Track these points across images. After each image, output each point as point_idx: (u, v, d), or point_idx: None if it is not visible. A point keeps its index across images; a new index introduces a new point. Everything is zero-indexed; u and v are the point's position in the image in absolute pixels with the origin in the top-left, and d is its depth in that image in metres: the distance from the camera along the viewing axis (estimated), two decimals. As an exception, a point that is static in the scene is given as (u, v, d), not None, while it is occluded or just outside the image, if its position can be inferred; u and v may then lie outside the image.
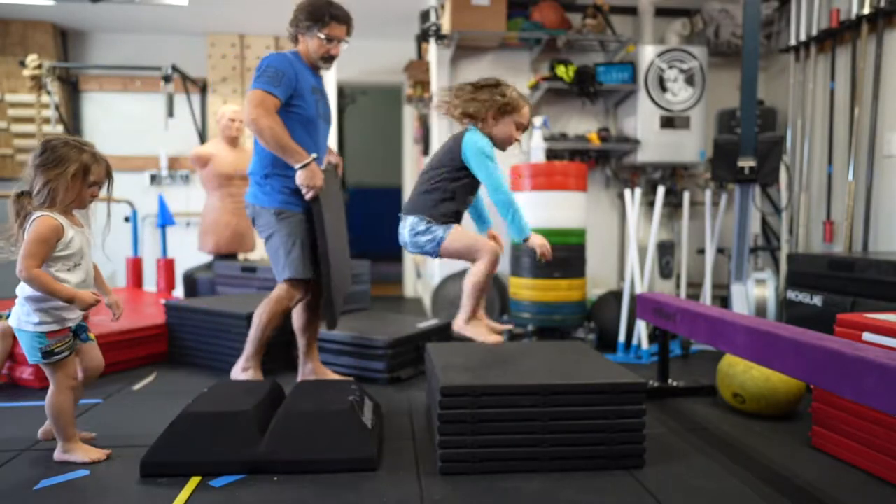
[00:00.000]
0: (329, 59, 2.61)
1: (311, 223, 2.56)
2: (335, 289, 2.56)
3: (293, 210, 2.56)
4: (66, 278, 1.81)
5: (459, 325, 2.13)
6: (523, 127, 2.14)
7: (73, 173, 1.78)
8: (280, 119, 2.44)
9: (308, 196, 2.47)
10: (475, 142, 2.06)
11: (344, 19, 2.56)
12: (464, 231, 2.11)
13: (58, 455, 1.92)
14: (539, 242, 2.02)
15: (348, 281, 2.85)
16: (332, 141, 5.32)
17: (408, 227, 2.12)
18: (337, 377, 2.76)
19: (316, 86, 2.63)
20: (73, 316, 1.89)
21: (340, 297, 2.68)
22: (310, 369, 2.77)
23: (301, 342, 2.76)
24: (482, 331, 2.12)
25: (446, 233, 2.07)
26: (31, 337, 1.82)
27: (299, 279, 2.55)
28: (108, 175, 1.89)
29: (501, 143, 2.13)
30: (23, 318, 1.83)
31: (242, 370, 2.60)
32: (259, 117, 2.40)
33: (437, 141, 4.56)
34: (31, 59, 5.13)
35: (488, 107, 2.08)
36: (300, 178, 2.43)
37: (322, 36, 2.53)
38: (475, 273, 2.06)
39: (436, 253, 2.10)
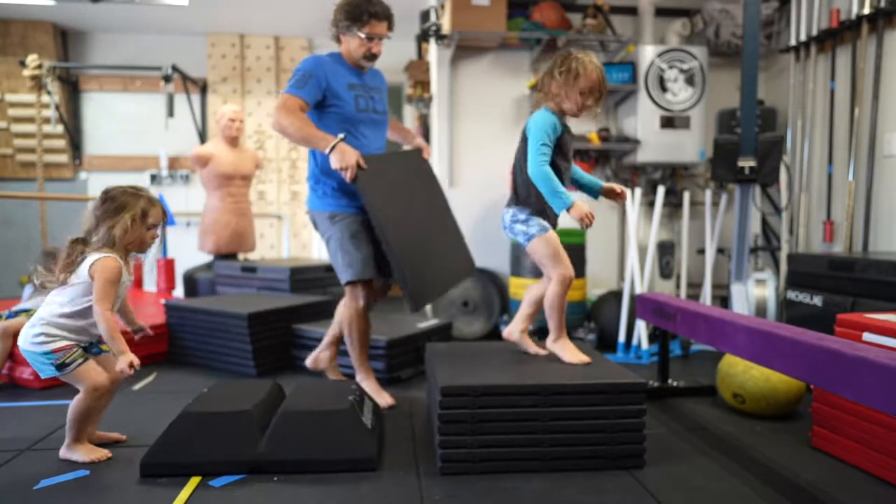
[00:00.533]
0: (371, 56, 2.57)
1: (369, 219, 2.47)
2: (414, 271, 2.38)
3: (346, 212, 2.54)
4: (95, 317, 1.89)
5: (550, 344, 2.21)
6: (590, 91, 2.11)
7: (133, 218, 1.91)
8: (301, 115, 2.42)
9: (348, 178, 2.34)
10: (534, 119, 2.10)
11: (383, 15, 2.51)
12: (553, 241, 2.13)
13: (63, 452, 1.97)
14: (578, 214, 1.98)
15: (453, 265, 2.69)
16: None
17: (510, 213, 2.19)
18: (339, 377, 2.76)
19: (357, 82, 2.60)
20: (85, 339, 1.96)
21: (430, 279, 2.49)
22: (326, 357, 2.78)
23: (333, 332, 2.76)
24: (570, 349, 2.16)
25: (539, 234, 2.12)
26: (38, 356, 1.90)
27: (357, 280, 2.49)
28: (164, 216, 2.04)
29: (572, 112, 2.13)
30: (29, 339, 1.90)
31: (359, 380, 2.60)
32: (280, 118, 2.40)
33: (438, 141, 4.55)
34: (32, 59, 5.13)
35: (548, 80, 2.12)
36: (332, 162, 2.34)
37: (362, 35, 2.50)
38: (550, 296, 2.14)
39: (524, 245, 2.17)
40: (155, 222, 1.98)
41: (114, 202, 1.92)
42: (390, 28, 2.56)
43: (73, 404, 1.95)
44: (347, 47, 2.56)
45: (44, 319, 1.90)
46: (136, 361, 1.87)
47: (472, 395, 1.85)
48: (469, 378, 1.92)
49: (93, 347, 1.99)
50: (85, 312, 1.91)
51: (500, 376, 1.95)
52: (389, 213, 2.40)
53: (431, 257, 2.55)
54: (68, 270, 1.89)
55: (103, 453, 1.97)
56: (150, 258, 2.03)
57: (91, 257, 1.89)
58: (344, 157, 2.33)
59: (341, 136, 2.39)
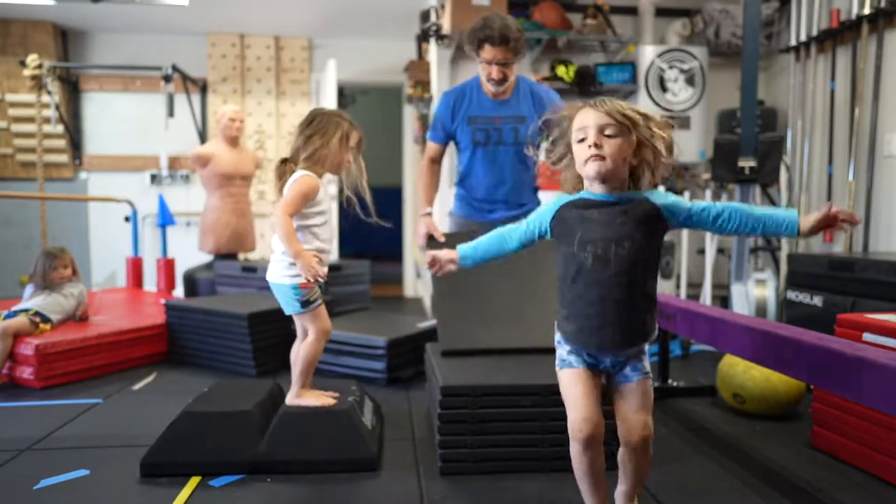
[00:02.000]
0: (493, 82, 2.51)
1: None
2: (444, 319, 2.41)
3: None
4: (318, 232, 1.99)
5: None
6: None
7: (340, 138, 1.99)
8: (427, 170, 2.68)
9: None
10: None
11: (498, 40, 2.41)
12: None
13: (293, 400, 2.03)
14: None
15: (508, 331, 2.41)
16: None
17: None
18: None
19: (481, 114, 2.59)
20: (324, 256, 2.00)
21: (464, 332, 2.37)
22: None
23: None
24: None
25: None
26: (288, 289, 1.97)
27: None
28: (361, 142, 2.09)
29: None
30: (280, 271, 1.97)
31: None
32: (419, 168, 2.69)
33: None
34: (32, 59, 5.13)
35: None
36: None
37: (479, 60, 2.51)
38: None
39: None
40: (355, 145, 2.05)
41: (321, 123, 2.00)
42: (512, 52, 2.45)
43: (304, 350, 2.01)
44: (480, 72, 2.57)
45: (286, 253, 1.92)
46: (317, 265, 1.88)
47: (472, 396, 1.85)
48: (469, 378, 1.92)
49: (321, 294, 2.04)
50: (309, 229, 1.97)
51: (500, 376, 1.95)
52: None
53: (480, 312, 2.40)
54: (281, 190, 1.97)
55: (331, 399, 2.03)
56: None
57: (296, 174, 1.96)
58: (417, 230, 2.59)
59: (428, 210, 2.52)
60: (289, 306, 2.00)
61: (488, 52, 2.45)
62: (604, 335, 1.40)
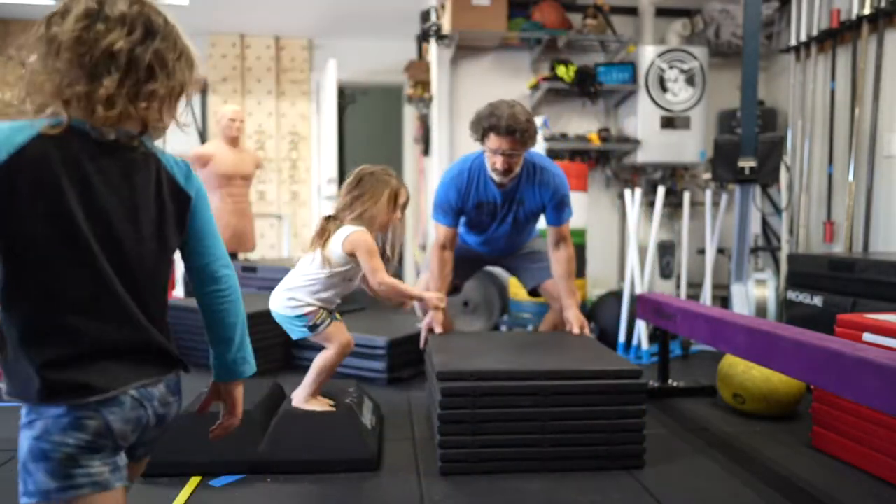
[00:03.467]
0: (497, 172, 2.38)
1: None
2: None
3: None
4: (340, 288, 2.02)
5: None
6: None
7: (388, 198, 2.00)
8: (442, 256, 2.56)
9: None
10: None
11: (504, 131, 2.26)
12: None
13: (301, 403, 2.01)
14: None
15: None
16: (332, 141, 5.33)
17: None
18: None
19: (483, 200, 2.52)
20: (331, 306, 2.03)
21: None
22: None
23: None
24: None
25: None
26: (291, 319, 1.98)
27: None
28: (408, 201, 2.11)
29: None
30: (283, 303, 1.99)
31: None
32: (430, 251, 2.67)
33: (438, 141, 4.56)
34: (32, 59, 5.13)
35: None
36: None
37: (484, 148, 2.41)
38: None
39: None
40: (403, 203, 2.06)
41: (369, 182, 2.00)
42: (520, 144, 2.30)
43: (322, 359, 2.01)
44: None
45: (292, 287, 1.98)
46: (437, 298, 2.19)
47: (470, 380, 1.85)
48: (468, 365, 1.92)
49: (331, 315, 2.05)
50: (331, 283, 1.98)
51: (499, 365, 1.95)
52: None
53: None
54: (320, 243, 1.97)
55: (331, 405, 2.03)
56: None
57: (344, 230, 1.95)
58: (421, 304, 2.63)
59: (442, 303, 2.32)
60: (295, 333, 2.01)
61: (493, 141, 2.32)
62: None
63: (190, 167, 1.06)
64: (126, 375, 0.92)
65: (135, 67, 0.90)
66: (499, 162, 2.35)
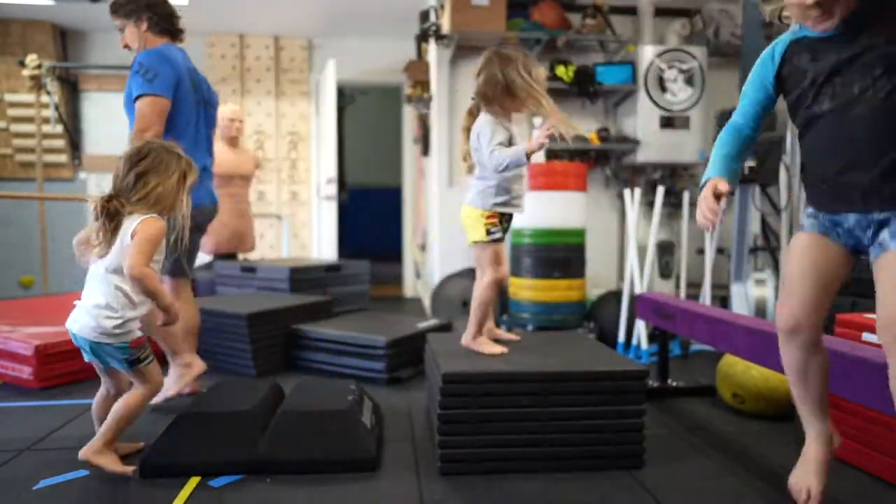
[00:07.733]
0: None
1: None
2: None
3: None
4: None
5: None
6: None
7: (178, 178, 1.79)
8: None
9: None
10: None
11: None
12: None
13: (88, 454, 1.77)
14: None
15: None
16: (331, 141, 5.33)
17: None
18: None
19: None
20: (137, 327, 1.81)
21: None
22: None
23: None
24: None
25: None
26: (114, 350, 1.75)
27: None
28: (196, 179, 1.90)
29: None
30: (105, 329, 1.73)
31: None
32: None
33: (437, 140, 4.56)
34: (31, 59, 5.13)
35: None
36: None
37: None
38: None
39: None
40: (191, 186, 1.84)
41: (156, 158, 1.77)
42: None
43: (127, 403, 1.79)
44: None
45: (112, 304, 1.71)
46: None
47: (472, 382, 1.84)
48: (470, 366, 1.92)
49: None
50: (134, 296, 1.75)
51: (501, 366, 1.95)
52: None
53: None
54: (113, 230, 1.70)
55: (129, 469, 1.80)
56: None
57: (135, 218, 1.72)
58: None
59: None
60: (112, 363, 1.78)
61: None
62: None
63: None
64: None
65: None
66: None
